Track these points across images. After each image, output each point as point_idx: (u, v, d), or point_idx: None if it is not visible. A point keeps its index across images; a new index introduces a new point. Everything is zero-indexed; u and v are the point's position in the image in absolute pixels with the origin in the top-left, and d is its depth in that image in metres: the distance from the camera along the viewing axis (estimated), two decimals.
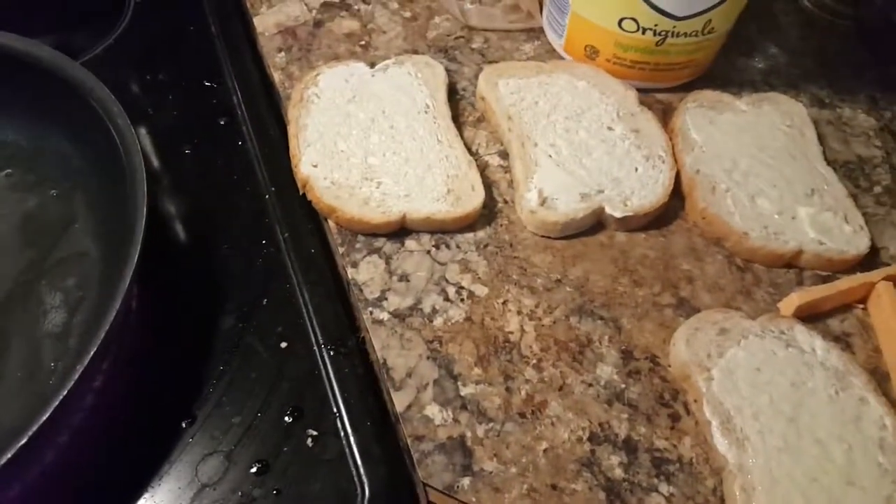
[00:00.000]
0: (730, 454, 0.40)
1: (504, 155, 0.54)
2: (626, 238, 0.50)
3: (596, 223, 0.51)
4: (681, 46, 0.56)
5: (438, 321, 0.45)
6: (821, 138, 0.57)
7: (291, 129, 0.51)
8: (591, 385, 0.43)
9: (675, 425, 0.42)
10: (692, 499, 0.39)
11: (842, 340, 0.47)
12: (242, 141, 0.54)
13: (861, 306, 0.49)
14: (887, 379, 0.45)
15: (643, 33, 0.55)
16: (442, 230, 0.49)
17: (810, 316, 0.47)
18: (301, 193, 0.49)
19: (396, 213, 0.47)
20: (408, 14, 0.65)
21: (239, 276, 0.47)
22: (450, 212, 0.48)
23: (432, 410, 0.41)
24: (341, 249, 0.48)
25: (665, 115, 0.58)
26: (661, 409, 0.43)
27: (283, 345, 0.44)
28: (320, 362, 0.43)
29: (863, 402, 0.42)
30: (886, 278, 0.48)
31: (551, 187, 0.50)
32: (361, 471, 0.39)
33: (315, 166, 0.49)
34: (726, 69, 0.63)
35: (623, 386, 0.43)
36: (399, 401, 0.41)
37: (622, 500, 0.39)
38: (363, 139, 0.51)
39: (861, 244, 0.50)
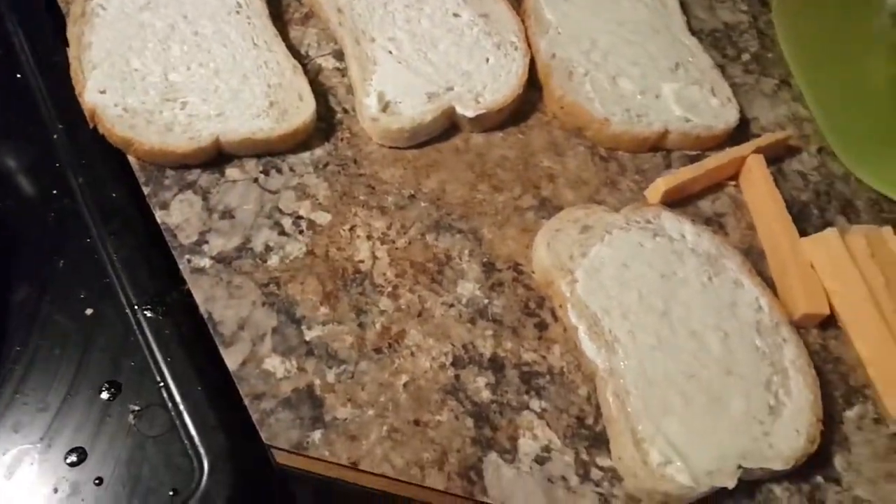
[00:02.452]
0: (599, 359, 0.37)
1: (340, 55, 0.48)
2: (483, 139, 0.46)
3: (449, 126, 0.45)
4: None
5: (274, 260, 0.39)
6: (684, 7, 0.53)
7: (72, 51, 0.42)
8: (452, 305, 0.39)
9: (542, 335, 0.39)
10: (566, 411, 0.37)
11: (714, 222, 0.45)
12: (22, 74, 0.45)
13: (733, 183, 0.47)
14: (763, 257, 0.44)
15: None
16: (269, 152, 0.43)
17: (681, 200, 0.45)
18: (92, 127, 0.41)
19: (207, 138, 0.40)
20: None
21: (28, 236, 0.39)
22: (274, 128, 0.41)
23: (273, 363, 0.36)
24: (147, 189, 0.40)
25: None
26: (528, 319, 0.40)
27: (89, 311, 0.37)
28: (135, 326, 0.37)
29: (737, 286, 0.40)
30: (757, 151, 0.46)
31: (394, 89, 0.44)
32: (196, 442, 0.34)
33: (103, 92, 0.41)
34: None
35: (486, 301, 0.40)
36: (231, 358, 0.36)
37: (491, 424, 0.36)
38: (161, 53, 0.43)
39: (730, 117, 0.47)
